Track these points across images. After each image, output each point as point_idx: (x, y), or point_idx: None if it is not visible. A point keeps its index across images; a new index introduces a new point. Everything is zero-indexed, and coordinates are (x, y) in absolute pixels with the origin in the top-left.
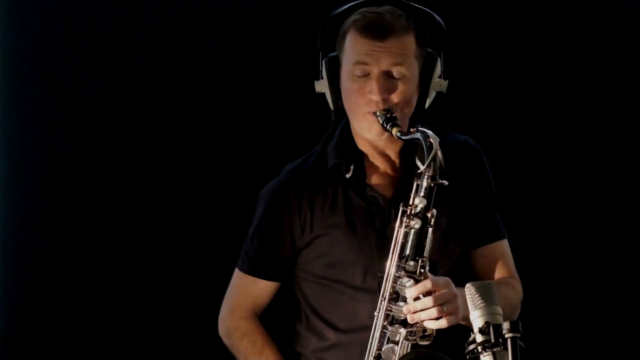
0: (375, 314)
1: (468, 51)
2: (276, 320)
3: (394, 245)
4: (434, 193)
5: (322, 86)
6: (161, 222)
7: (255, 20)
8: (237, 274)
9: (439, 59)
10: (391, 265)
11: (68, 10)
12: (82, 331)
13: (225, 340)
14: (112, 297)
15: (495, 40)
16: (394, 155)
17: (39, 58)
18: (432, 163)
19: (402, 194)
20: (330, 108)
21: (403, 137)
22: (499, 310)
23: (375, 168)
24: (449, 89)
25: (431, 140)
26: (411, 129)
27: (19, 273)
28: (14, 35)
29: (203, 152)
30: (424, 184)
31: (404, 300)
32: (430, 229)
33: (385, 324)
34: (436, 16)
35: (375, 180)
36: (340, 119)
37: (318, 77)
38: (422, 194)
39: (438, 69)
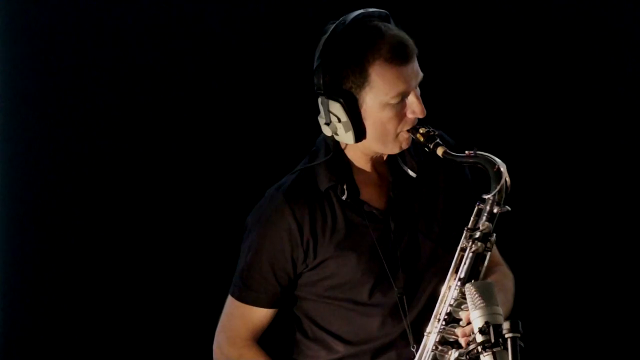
0: (425, 333)
1: (467, 51)
2: (274, 328)
3: (454, 267)
4: (497, 218)
5: (338, 129)
6: (163, 226)
7: (248, 31)
8: (234, 303)
9: None
10: (450, 287)
11: (68, 10)
12: (83, 333)
13: None
14: (114, 300)
15: (495, 40)
16: (380, 162)
17: (39, 58)
18: (499, 191)
19: (395, 203)
20: (330, 140)
21: (458, 160)
22: (499, 310)
23: (365, 180)
24: (450, 89)
25: (500, 167)
26: (467, 151)
27: (19, 273)
28: (14, 35)
29: (205, 158)
30: (488, 208)
31: (454, 321)
32: (488, 254)
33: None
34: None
35: (367, 194)
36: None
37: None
38: (484, 218)
39: None
